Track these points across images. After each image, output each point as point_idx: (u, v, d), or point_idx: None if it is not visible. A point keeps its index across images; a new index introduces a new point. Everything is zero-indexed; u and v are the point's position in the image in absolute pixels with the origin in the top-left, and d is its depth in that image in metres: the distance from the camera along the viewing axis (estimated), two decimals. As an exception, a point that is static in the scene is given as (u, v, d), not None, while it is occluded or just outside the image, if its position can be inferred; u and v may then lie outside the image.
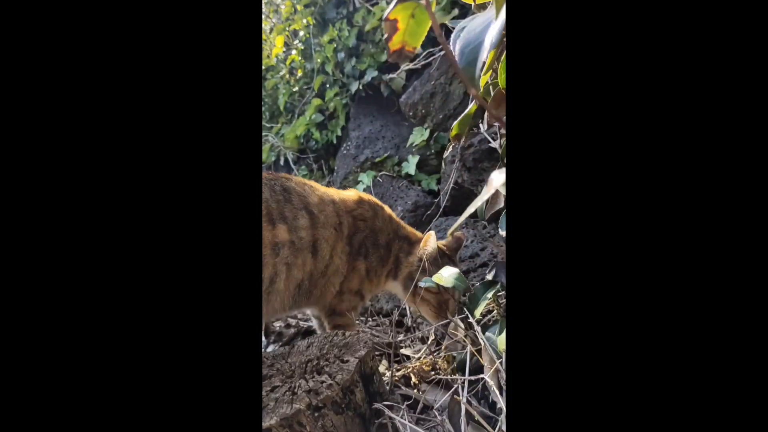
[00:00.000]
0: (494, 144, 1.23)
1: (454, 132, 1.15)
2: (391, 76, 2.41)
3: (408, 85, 2.39)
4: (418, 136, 2.37)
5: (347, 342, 0.98)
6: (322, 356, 0.95)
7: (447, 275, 1.16)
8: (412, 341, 1.67)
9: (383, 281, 1.37)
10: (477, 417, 0.82)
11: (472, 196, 2.01)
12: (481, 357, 0.96)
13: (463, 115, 1.12)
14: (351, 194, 1.37)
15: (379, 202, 1.40)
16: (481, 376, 0.94)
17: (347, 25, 2.67)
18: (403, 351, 1.51)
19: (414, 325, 1.88)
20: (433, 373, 1.38)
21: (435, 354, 1.43)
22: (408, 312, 1.98)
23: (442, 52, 2.18)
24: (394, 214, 1.41)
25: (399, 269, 1.34)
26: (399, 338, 1.59)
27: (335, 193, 1.35)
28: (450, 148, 1.98)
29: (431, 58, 2.25)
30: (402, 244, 1.35)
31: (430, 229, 1.36)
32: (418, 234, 1.41)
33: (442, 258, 1.31)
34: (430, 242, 1.29)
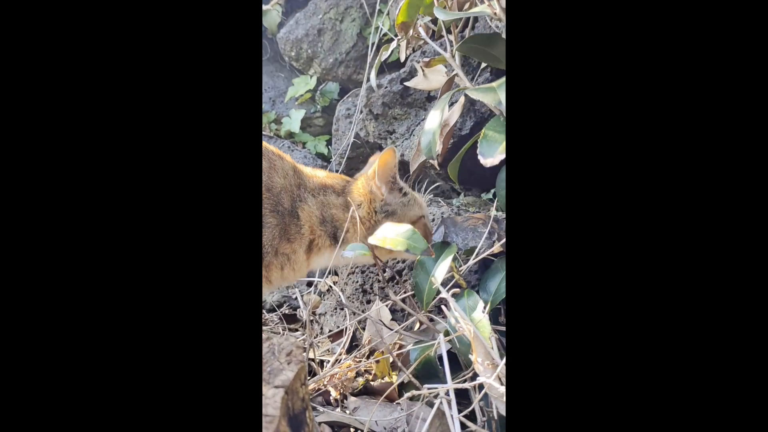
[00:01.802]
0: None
1: (400, 19, 0.78)
2: (264, 7, 1.89)
3: (286, 22, 1.92)
4: (302, 85, 1.92)
5: (252, 356, 0.52)
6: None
7: (394, 235, 0.77)
8: (317, 341, 1.24)
9: (303, 261, 0.90)
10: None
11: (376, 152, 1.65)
12: (473, 350, 0.60)
13: (412, -6, 0.75)
14: None
15: (278, 150, 0.93)
16: (479, 380, 0.59)
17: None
18: (311, 356, 1.07)
19: (312, 318, 1.44)
20: (361, 380, 0.99)
21: (357, 354, 1.03)
22: (301, 302, 1.54)
23: (331, -21, 1.76)
24: (300, 165, 0.96)
25: (339, 232, 0.89)
26: (302, 337, 1.15)
27: None
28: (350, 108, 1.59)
29: (317, -13, 1.82)
30: (325, 198, 0.90)
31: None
32: (344, 177, 0.98)
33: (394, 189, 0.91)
34: (388, 163, 0.87)
